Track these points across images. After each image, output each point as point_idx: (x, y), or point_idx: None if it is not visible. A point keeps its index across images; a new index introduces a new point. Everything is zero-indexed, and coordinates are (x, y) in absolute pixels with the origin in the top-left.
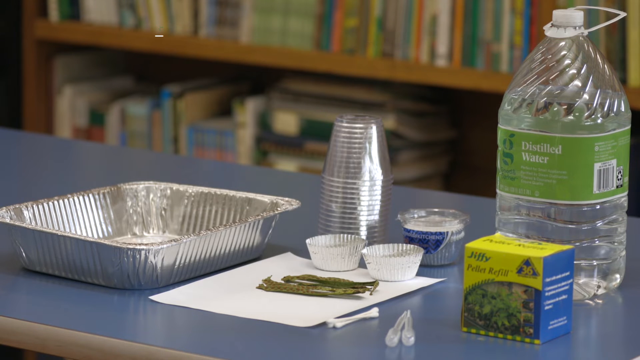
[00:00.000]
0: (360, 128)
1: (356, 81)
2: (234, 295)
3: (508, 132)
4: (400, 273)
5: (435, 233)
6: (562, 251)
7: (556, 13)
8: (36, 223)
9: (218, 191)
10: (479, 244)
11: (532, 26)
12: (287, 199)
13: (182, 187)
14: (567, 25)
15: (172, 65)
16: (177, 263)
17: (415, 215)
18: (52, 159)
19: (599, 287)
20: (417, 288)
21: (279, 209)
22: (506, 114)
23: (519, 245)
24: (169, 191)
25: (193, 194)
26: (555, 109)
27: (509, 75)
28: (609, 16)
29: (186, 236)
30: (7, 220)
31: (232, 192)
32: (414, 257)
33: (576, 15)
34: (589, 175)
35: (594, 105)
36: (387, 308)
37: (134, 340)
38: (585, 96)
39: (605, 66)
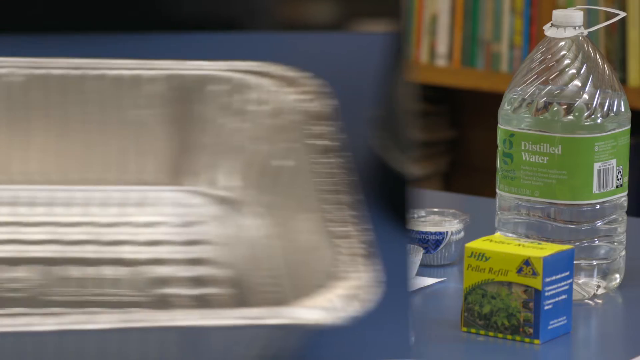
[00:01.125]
0: None
1: None
2: None
3: (508, 132)
4: None
5: (435, 233)
6: (562, 251)
7: (556, 13)
8: None
9: None
10: (478, 244)
11: (532, 26)
12: None
13: None
14: (567, 25)
15: None
16: None
17: (415, 215)
18: None
19: (598, 287)
20: (417, 288)
21: None
22: (506, 113)
23: (519, 245)
24: None
25: None
26: (555, 108)
27: (508, 75)
28: (609, 16)
29: None
30: None
31: None
32: (414, 257)
33: (576, 15)
34: (589, 175)
35: (594, 105)
36: None
37: None
38: (585, 96)
39: (605, 66)
